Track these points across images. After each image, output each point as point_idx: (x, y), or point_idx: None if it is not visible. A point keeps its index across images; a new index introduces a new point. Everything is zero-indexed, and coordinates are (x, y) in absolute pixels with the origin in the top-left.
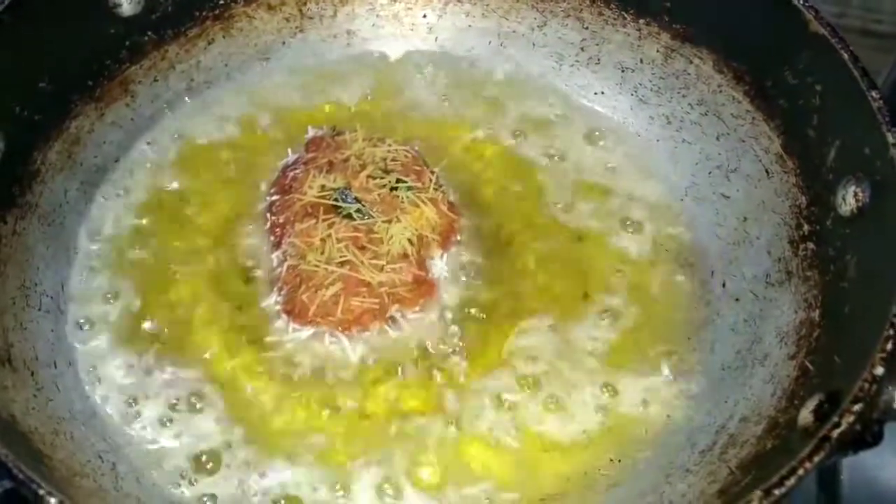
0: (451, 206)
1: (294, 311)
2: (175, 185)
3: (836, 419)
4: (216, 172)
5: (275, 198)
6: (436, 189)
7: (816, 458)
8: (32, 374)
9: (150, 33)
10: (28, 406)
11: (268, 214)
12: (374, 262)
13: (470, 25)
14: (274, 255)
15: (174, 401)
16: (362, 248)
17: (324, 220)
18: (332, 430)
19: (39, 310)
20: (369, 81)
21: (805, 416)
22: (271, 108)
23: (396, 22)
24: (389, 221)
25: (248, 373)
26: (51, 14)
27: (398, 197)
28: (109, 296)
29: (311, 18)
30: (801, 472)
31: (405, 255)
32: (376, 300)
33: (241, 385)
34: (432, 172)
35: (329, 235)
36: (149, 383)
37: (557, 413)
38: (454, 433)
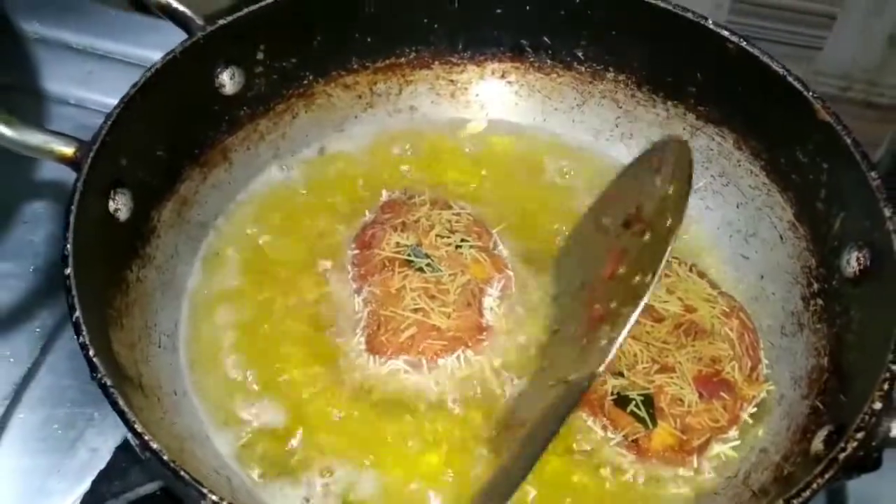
0: (505, 262)
1: (375, 349)
2: (264, 240)
3: (842, 445)
4: (301, 227)
5: (356, 252)
6: (493, 248)
7: (827, 475)
8: (158, 399)
9: (245, 109)
10: (159, 426)
11: (349, 266)
12: (442, 309)
13: (517, 104)
14: (356, 301)
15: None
16: (432, 297)
17: (399, 273)
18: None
19: (159, 346)
20: (431, 151)
21: (817, 445)
22: (347, 174)
23: (453, 100)
24: (455, 275)
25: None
26: (170, 93)
27: (462, 254)
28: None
29: (379, 96)
30: (814, 486)
31: (468, 304)
32: (445, 342)
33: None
34: (489, 234)
35: (404, 286)
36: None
37: None
38: None
